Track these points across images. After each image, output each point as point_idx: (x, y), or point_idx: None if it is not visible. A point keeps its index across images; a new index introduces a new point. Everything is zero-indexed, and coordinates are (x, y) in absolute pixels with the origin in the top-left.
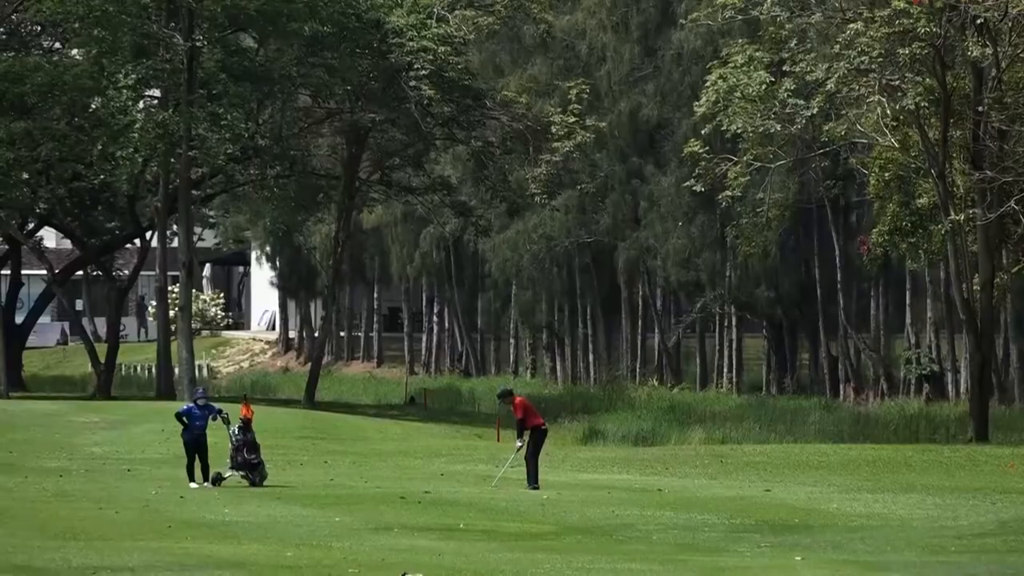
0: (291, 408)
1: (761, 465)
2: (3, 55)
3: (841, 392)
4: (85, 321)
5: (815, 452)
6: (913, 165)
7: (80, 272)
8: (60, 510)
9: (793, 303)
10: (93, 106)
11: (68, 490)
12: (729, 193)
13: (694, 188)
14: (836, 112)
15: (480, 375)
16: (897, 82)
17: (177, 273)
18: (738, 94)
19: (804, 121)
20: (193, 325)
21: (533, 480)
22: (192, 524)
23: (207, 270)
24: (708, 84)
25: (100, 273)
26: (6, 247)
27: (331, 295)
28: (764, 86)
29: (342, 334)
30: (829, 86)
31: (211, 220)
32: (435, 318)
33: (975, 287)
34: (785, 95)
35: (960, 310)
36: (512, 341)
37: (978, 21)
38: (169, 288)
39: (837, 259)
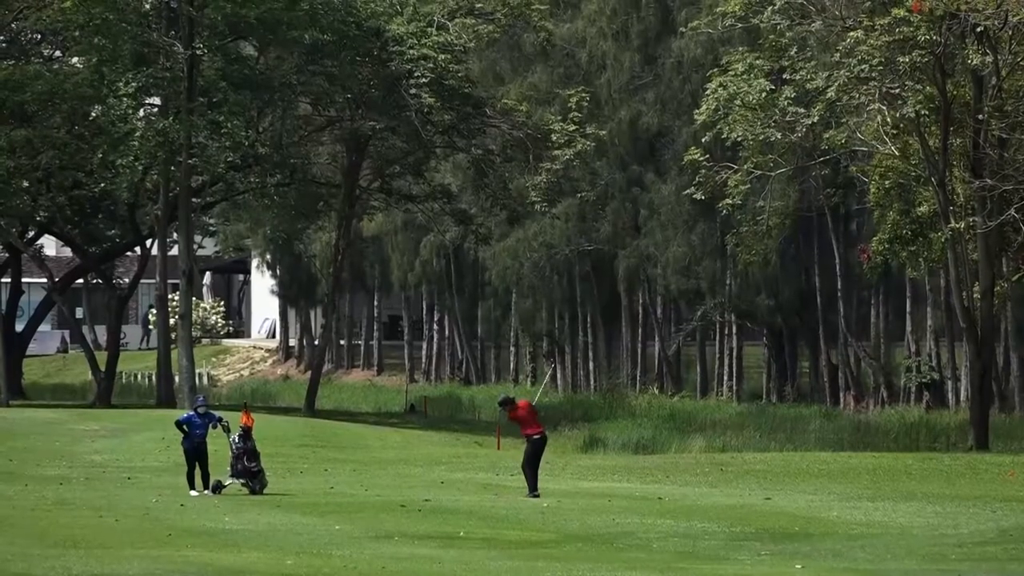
0: (291, 416)
1: (761, 473)
2: (3, 63)
3: (841, 400)
4: (85, 329)
5: (815, 460)
6: (913, 173)
7: (80, 280)
8: (60, 518)
9: (793, 311)
10: (93, 114)
11: (68, 498)
12: (729, 201)
13: (694, 196)
14: (836, 120)
15: (480, 383)
16: (897, 90)
17: (177, 281)
18: (738, 102)
19: (804, 129)
20: (193, 333)
21: (533, 488)
22: (192, 532)
23: (207, 278)
24: (708, 92)
25: (100, 281)
26: (6, 255)
27: (331, 303)
28: (764, 94)
29: (342, 342)
30: (829, 94)
31: (211, 228)
32: (435, 326)
33: (975, 295)
34: (785, 103)
35: (960, 318)
36: (512, 349)
37: (978, 29)
38: (169, 296)
39: (837, 267)
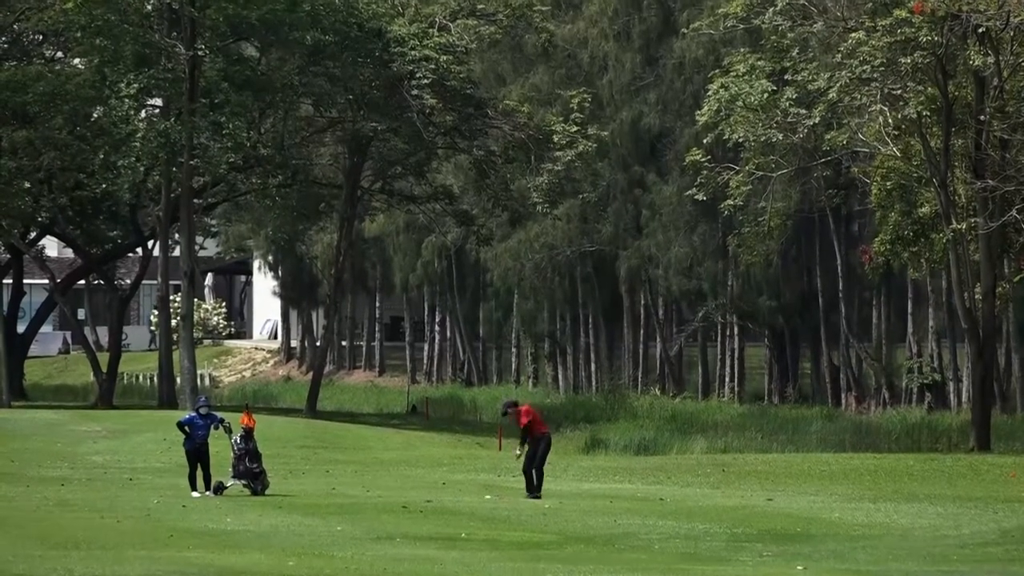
0: (293, 417)
1: (763, 474)
2: (5, 64)
3: (843, 401)
4: (87, 330)
5: (817, 461)
6: (915, 174)
7: (82, 281)
8: (62, 519)
9: (795, 312)
10: (95, 115)
11: (70, 499)
12: (731, 202)
13: (696, 197)
14: (838, 121)
15: (482, 384)
16: (899, 91)
17: (179, 282)
18: (740, 103)
19: (806, 130)
20: (195, 334)
21: (535, 490)
22: (194, 533)
23: (209, 279)
24: (710, 93)
25: (102, 282)
26: (8, 256)
27: (333, 304)
28: (766, 95)
29: (344, 343)
30: (831, 95)
31: (213, 229)
32: (437, 327)
33: (977, 296)
34: (787, 104)
35: (962, 319)
36: (514, 350)
37: (980, 30)
38: (171, 297)
39: (839, 268)
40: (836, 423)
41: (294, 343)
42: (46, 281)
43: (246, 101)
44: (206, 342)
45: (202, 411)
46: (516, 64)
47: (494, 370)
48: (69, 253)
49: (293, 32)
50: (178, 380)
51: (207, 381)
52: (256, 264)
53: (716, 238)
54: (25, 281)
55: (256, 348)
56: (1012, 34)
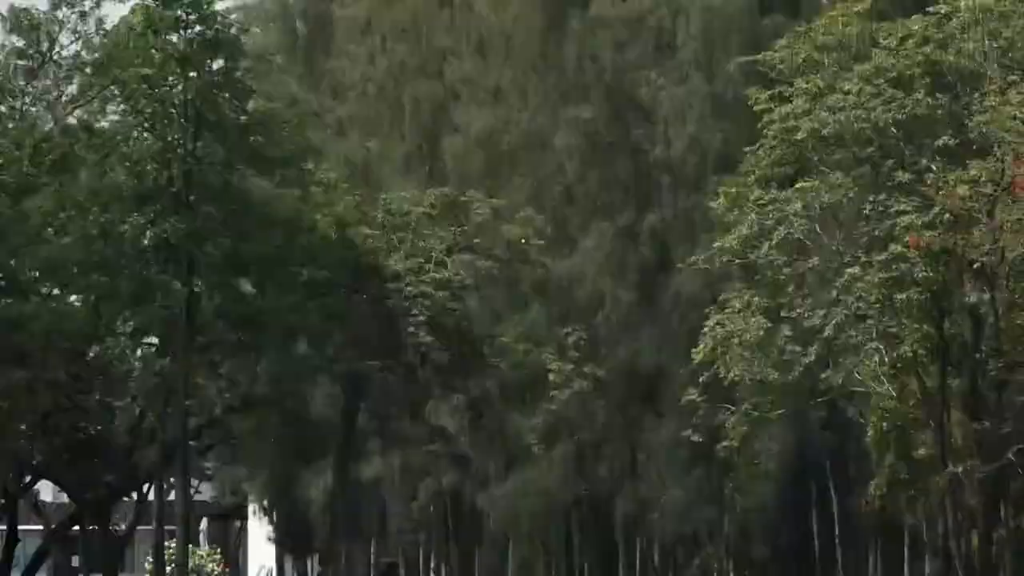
0: None
1: None
2: (1, 301)
3: None
4: None
5: None
6: (911, 415)
7: (77, 527)
8: None
9: (791, 558)
10: (91, 354)
11: None
12: (727, 443)
13: (692, 438)
14: (834, 360)
15: None
16: (895, 329)
17: (175, 527)
18: (736, 340)
19: (802, 368)
20: None
21: None
22: None
23: (204, 524)
24: (705, 330)
25: (96, 528)
26: (1, 502)
27: (328, 552)
28: (762, 332)
29: None
30: (827, 332)
31: (208, 472)
32: (432, 575)
33: (974, 542)
34: (783, 341)
35: (958, 567)
36: None
37: (975, 266)
38: (166, 543)
39: (835, 512)
40: None
41: None
42: (40, 527)
43: (243, 339)
44: None
45: None
46: (512, 300)
47: None
48: (64, 498)
49: (289, 267)
50: None
51: None
52: (251, 509)
53: (712, 481)
54: (19, 527)
55: None
56: (1007, 270)
